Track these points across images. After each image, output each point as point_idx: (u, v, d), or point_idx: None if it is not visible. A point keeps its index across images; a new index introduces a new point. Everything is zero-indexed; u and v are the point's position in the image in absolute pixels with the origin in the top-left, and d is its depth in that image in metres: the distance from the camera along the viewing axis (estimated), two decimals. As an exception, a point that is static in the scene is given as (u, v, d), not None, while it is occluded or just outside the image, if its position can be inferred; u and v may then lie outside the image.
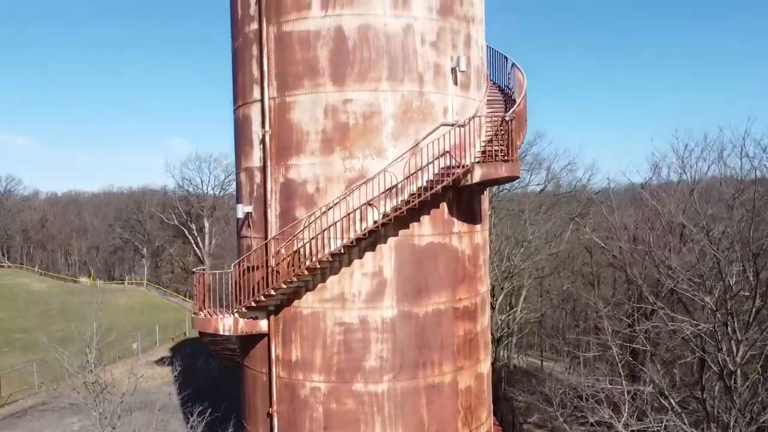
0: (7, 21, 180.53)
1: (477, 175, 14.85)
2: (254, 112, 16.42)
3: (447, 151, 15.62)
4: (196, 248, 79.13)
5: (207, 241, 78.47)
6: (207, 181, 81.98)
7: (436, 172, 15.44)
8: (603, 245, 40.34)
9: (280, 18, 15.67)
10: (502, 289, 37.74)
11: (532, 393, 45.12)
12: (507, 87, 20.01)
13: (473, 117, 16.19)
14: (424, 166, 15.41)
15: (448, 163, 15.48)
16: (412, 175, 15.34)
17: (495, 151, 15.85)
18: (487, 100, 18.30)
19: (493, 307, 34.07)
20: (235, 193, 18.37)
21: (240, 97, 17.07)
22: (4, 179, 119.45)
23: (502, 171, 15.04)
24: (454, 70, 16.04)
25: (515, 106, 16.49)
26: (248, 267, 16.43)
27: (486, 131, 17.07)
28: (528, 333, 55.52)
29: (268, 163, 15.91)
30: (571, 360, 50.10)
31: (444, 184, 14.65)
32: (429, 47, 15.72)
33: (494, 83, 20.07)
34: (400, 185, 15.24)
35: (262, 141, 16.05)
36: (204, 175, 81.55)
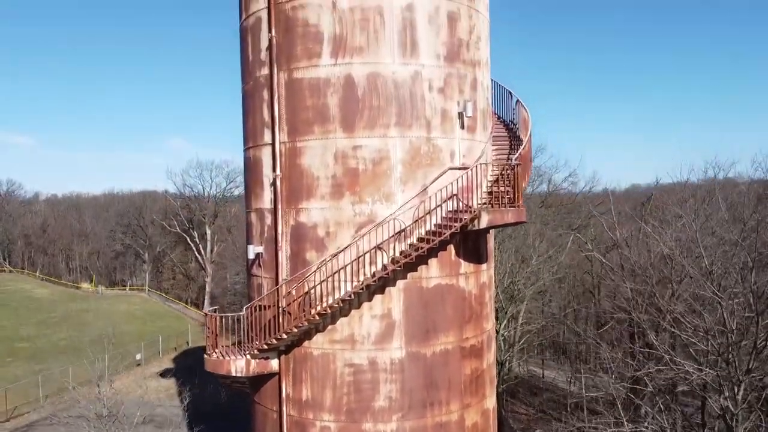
0: (8, 21, 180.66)
1: (484, 221, 15.19)
2: (265, 154, 16.76)
3: (454, 195, 15.98)
4: (197, 255, 79.44)
5: (209, 248, 78.75)
6: (209, 188, 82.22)
7: (443, 215, 15.79)
8: (603, 261, 40.71)
9: (291, 65, 16.01)
10: (504, 311, 38.00)
11: (533, 406, 45.58)
12: (512, 122, 20.37)
13: (480, 162, 16.55)
14: (432, 210, 15.77)
15: (456, 207, 15.83)
16: (420, 219, 15.70)
17: (501, 192, 16.21)
18: (493, 137, 18.68)
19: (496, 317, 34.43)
20: (245, 230, 18.70)
21: (251, 139, 17.41)
22: (5, 183, 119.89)
23: (509, 217, 15.39)
24: (461, 115, 16.39)
25: (521, 148, 16.86)
26: (259, 306, 16.78)
27: (492, 170, 17.43)
28: (528, 341, 55.93)
29: (279, 206, 16.26)
30: (573, 372, 50.52)
31: (452, 231, 14.99)
32: (436, 93, 16.07)
33: (499, 118, 20.43)
34: (408, 229, 15.59)
35: (273, 184, 16.39)
36: (205, 182, 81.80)
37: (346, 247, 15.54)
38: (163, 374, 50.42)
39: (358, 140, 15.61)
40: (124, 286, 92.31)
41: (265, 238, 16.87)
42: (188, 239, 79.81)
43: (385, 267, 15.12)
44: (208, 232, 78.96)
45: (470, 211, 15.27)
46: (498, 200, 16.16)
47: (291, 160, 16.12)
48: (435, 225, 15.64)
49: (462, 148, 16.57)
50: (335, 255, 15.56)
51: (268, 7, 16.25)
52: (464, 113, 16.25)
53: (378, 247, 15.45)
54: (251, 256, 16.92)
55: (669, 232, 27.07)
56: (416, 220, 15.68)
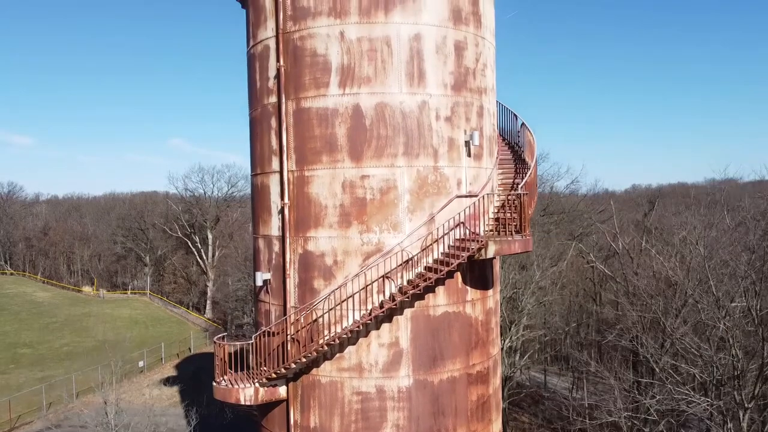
0: (8, 21, 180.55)
1: (491, 252, 15.29)
2: (273, 182, 16.85)
3: (461, 223, 16.09)
4: (199, 260, 79.51)
5: (210, 253, 78.85)
6: (210, 192, 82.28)
7: (451, 244, 15.89)
8: (606, 272, 40.81)
9: (299, 94, 16.10)
10: (507, 322, 38.13)
11: (536, 415, 45.67)
12: (516, 144, 20.49)
13: (487, 193, 16.65)
14: (440, 238, 15.88)
15: (463, 235, 15.94)
16: (427, 247, 15.80)
17: (507, 219, 16.33)
18: (499, 160, 18.78)
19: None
20: (252, 257, 18.79)
21: (258, 165, 17.50)
22: (6, 185, 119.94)
23: (516, 247, 15.49)
24: (467, 143, 16.49)
25: (527, 176, 16.96)
26: (267, 332, 16.89)
27: (498, 196, 17.54)
28: (531, 349, 56.02)
29: (287, 234, 16.36)
30: (575, 379, 50.61)
31: (459, 261, 15.08)
32: (443, 122, 16.17)
33: (504, 140, 20.54)
34: (416, 258, 15.70)
35: (281, 212, 16.49)
36: (207, 187, 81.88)
37: (354, 276, 15.64)
38: (166, 382, 50.56)
39: (365, 170, 15.71)
40: (126, 289, 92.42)
41: (273, 265, 16.97)
42: (189, 243, 79.89)
43: (393, 297, 15.23)
44: (210, 236, 79.07)
45: (478, 241, 15.36)
46: (504, 227, 16.28)
47: (299, 188, 16.22)
48: (442, 254, 15.74)
49: (468, 175, 16.67)
50: (344, 283, 15.66)
51: (276, 36, 16.34)
52: (471, 142, 16.35)
53: (386, 276, 15.56)
54: (259, 283, 17.02)
55: (673, 253, 27.17)
56: (424, 249, 15.79)
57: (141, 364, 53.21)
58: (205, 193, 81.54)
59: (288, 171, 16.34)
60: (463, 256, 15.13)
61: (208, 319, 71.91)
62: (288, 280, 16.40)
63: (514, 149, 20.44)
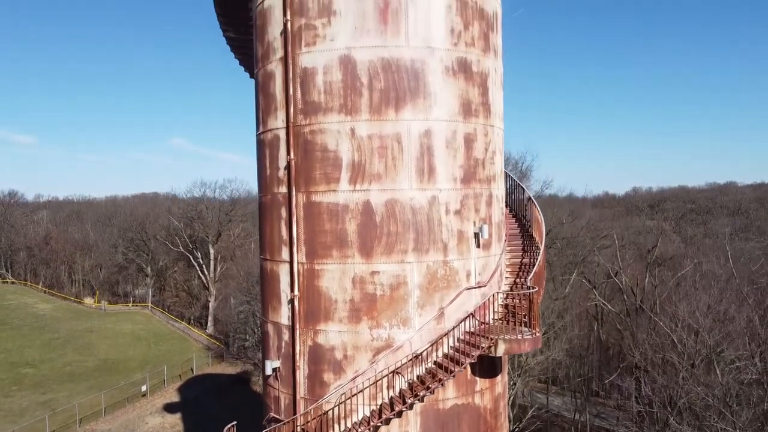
0: (9, 21, 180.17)
1: (500, 350, 15.38)
2: (282, 271, 16.92)
3: (471, 314, 16.19)
4: (201, 275, 79.57)
5: (212, 267, 78.91)
6: (212, 207, 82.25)
7: (460, 337, 15.98)
8: (611, 309, 40.88)
9: (310, 188, 16.15)
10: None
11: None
12: (524, 217, 20.55)
13: (495, 279, 16.71)
14: (449, 332, 15.97)
15: (472, 327, 16.03)
16: (437, 341, 15.89)
17: (516, 307, 16.43)
18: (507, 236, 18.84)
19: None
20: (261, 343, 18.85)
21: (268, 251, 17.56)
22: (7, 193, 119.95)
23: (525, 346, 15.59)
24: (477, 235, 16.54)
25: (535, 266, 17.03)
26: (275, 418, 16.98)
27: (507, 292, 17.54)
28: (533, 374, 56.03)
29: (297, 325, 16.44)
30: (578, 404, 50.76)
31: (470, 360, 15.17)
32: (453, 216, 16.23)
33: (511, 213, 20.60)
34: (425, 353, 15.78)
35: (291, 303, 16.56)
36: (208, 203, 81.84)
37: (363, 371, 15.72)
38: (168, 408, 50.62)
39: (376, 266, 15.78)
40: (127, 300, 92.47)
41: (282, 353, 17.05)
42: (191, 258, 79.95)
43: (403, 396, 15.31)
44: (212, 251, 79.11)
45: (488, 338, 15.45)
46: (514, 317, 16.38)
47: (309, 281, 16.29)
48: (452, 348, 15.84)
49: (478, 266, 16.74)
50: (353, 379, 15.74)
51: (287, 128, 16.39)
52: (480, 235, 16.42)
53: (396, 372, 15.64)
54: (269, 371, 17.10)
55: (681, 311, 27.23)
56: (433, 343, 15.87)
57: (143, 388, 53.25)
58: (206, 208, 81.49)
59: (298, 263, 16.41)
60: (473, 355, 15.23)
61: (210, 336, 72.03)
62: (298, 371, 16.48)
63: (522, 222, 20.51)
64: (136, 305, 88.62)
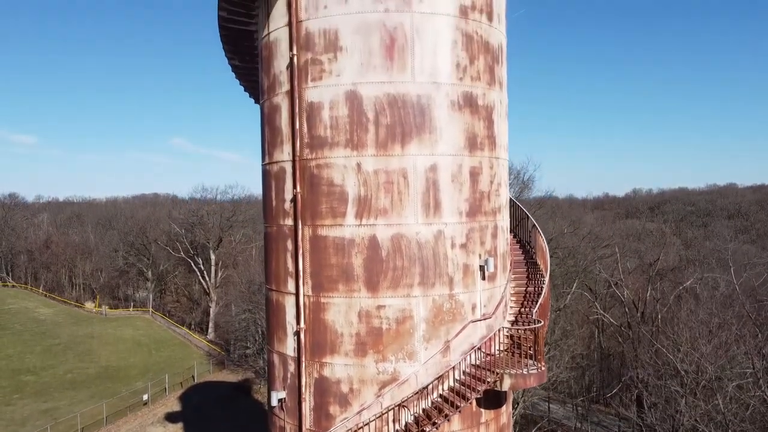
0: (9, 20, 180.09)
1: (506, 385, 15.47)
2: (288, 302, 16.99)
3: (477, 347, 16.28)
4: (202, 280, 79.62)
5: (213, 273, 78.97)
6: (213, 212, 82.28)
7: (465, 369, 16.06)
8: (612, 322, 40.94)
9: (316, 221, 16.22)
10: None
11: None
12: (528, 243, 20.64)
13: (500, 310, 16.80)
14: (455, 365, 16.05)
15: (477, 359, 16.12)
16: (443, 374, 15.97)
17: (521, 338, 16.51)
18: (512, 264, 18.91)
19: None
20: (266, 372, 18.91)
21: (274, 282, 17.63)
22: (8, 196, 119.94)
23: (531, 381, 15.67)
24: (482, 268, 16.62)
25: (540, 299, 17.11)
26: (282, 449, 17.07)
27: (511, 327, 17.58)
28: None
29: (303, 358, 16.51)
30: (578, 412, 50.85)
31: (475, 395, 15.26)
32: (459, 249, 16.31)
33: (515, 238, 20.69)
34: (431, 386, 15.86)
35: (297, 335, 16.64)
36: (210, 209, 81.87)
37: (369, 405, 15.80)
38: (170, 417, 50.65)
39: (382, 300, 15.86)
40: (128, 304, 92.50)
41: (288, 384, 17.13)
42: (192, 264, 79.98)
43: (408, 431, 15.39)
44: (213, 256, 79.15)
45: (494, 372, 15.54)
46: (519, 349, 16.46)
47: (315, 314, 16.37)
48: (457, 380, 15.92)
49: (483, 298, 16.82)
50: (359, 412, 15.83)
51: (293, 162, 16.45)
52: (486, 268, 16.49)
53: (401, 405, 15.72)
54: (274, 402, 17.19)
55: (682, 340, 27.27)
56: (439, 377, 15.95)
57: (145, 397, 53.30)
58: (207, 214, 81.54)
59: (304, 296, 16.48)
60: (479, 390, 15.31)
61: (211, 342, 72.08)
62: (303, 403, 16.56)
63: (526, 248, 20.60)
64: (137, 310, 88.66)
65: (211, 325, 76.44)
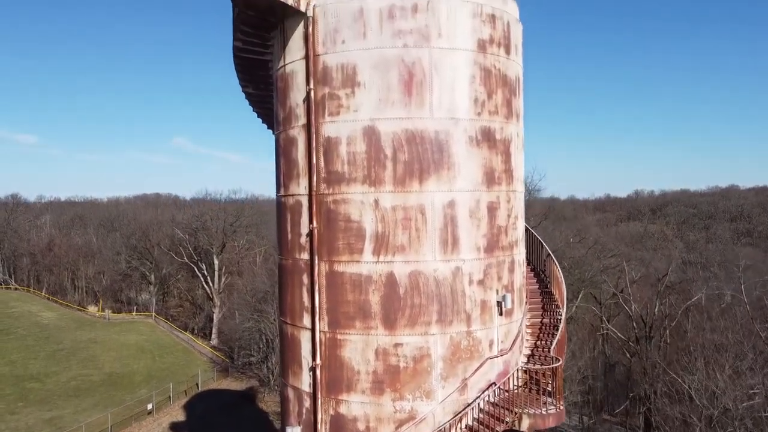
0: (9, 20, 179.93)
1: (524, 425, 15.33)
2: (304, 337, 16.85)
3: (493, 383, 16.14)
4: (205, 285, 79.50)
5: (216, 278, 78.84)
6: (217, 217, 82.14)
7: (483, 407, 15.92)
8: (620, 336, 40.77)
9: (332, 257, 16.07)
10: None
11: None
12: (542, 272, 20.49)
13: (517, 345, 16.66)
14: (472, 403, 15.91)
15: (494, 396, 15.99)
16: (461, 413, 15.83)
17: (538, 374, 16.40)
18: (527, 293, 18.75)
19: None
20: (279, 407, 18.75)
21: (289, 316, 17.49)
22: (10, 199, 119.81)
23: (550, 422, 15.53)
24: (500, 304, 16.48)
25: (558, 334, 16.97)
26: (297, 483, 16.93)
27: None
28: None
29: (318, 394, 16.37)
30: (584, 421, 50.72)
31: (493, 436, 15.12)
32: (476, 286, 16.16)
33: (529, 266, 20.52)
34: (448, 425, 15.73)
35: (312, 371, 16.50)
36: (213, 215, 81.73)
37: (386, 444, 15.67)
38: (175, 427, 50.53)
39: (399, 338, 15.71)
40: (130, 307, 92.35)
41: (303, 419, 16.99)
42: (196, 270, 79.85)
43: (426, 471, 15.26)
44: (216, 262, 79.03)
45: (512, 412, 15.40)
46: (538, 385, 16.35)
47: (331, 350, 16.22)
48: (475, 419, 15.79)
49: (500, 334, 16.68)
50: (376, 451, 15.69)
51: (309, 196, 16.30)
52: (503, 304, 16.35)
53: (418, 444, 15.58)
54: (289, 438, 17.05)
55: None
56: (457, 415, 15.81)
57: (149, 406, 53.17)
58: (210, 219, 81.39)
59: (320, 331, 16.34)
60: (497, 430, 15.18)
61: (214, 348, 71.98)
62: (319, 440, 16.42)
63: (540, 277, 20.45)
64: (140, 314, 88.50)
65: (214, 331, 76.32)
